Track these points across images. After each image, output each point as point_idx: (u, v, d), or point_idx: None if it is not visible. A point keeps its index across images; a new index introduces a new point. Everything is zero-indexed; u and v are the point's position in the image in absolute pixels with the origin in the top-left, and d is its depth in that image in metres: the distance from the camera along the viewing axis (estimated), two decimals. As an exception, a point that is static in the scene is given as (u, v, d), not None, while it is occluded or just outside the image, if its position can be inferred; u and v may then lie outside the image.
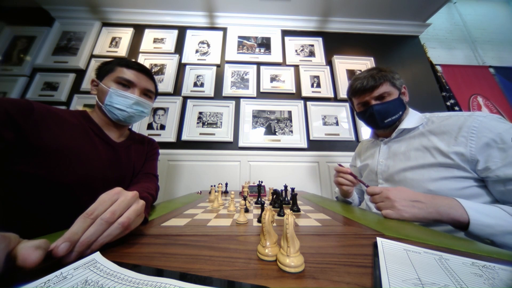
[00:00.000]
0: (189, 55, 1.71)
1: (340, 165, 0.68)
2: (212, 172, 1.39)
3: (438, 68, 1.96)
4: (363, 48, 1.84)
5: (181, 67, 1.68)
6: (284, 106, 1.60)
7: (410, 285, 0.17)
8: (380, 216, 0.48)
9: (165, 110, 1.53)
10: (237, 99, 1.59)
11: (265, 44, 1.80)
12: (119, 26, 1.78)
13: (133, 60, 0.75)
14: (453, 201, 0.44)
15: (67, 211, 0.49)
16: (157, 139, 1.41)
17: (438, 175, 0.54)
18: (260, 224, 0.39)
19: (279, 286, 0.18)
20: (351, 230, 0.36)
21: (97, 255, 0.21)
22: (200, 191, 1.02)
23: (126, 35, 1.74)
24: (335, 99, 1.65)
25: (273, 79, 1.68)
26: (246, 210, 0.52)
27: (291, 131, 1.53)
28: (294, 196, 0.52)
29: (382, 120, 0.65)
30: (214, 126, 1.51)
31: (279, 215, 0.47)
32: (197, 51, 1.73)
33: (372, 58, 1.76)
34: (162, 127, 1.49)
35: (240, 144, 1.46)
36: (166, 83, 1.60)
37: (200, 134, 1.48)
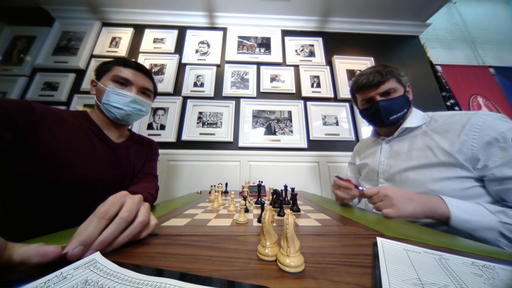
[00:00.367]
0: (189, 55, 1.71)
1: (338, 177, 0.61)
2: (212, 172, 1.39)
3: (438, 68, 1.96)
4: (363, 48, 1.84)
5: (181, 67, 1.68)
6: (284, 106, 1.60)
7: (410, 285, 0.17)
8: (380, 216, 0.48)
9: (165, 110, 1.53)
10: (237, 99, 1.59)
11: (265, 44, 1.80)
12: (119, 26, 1.78)
13: (132, 59, 0.75)
14: (438, 199, 0.46)
15: (67, 211, 0.49)
16: (157, 139, 1.42)
17: (441, 175, 0.53)
18: (260, 224, 0.39)
19: (279, 286, 0.18)
20: (351, 230, 0.36)
21: (97, 255, 0.21)
22: (200, 191, 1.02)
23: (126, 35, 1.74)
24: (335, 99, 1.65)
25: (273, 79, 1.68)
26: (246, 210, 0.52)
27: (291, 131, 1.53)
28: (294, 196, 0.52)
29: (388, 116, 0.64)
30: (214, 126, 1.51)
31: (279, 215, 0.47)
32: (197, 51, 1.73)
33: (372, 58, 1.76)
34: (162, 127, 1.49)
35: (240, 144, 1.46)
36: (166, 83, 1.60)
37: (200, 134, 1.48)
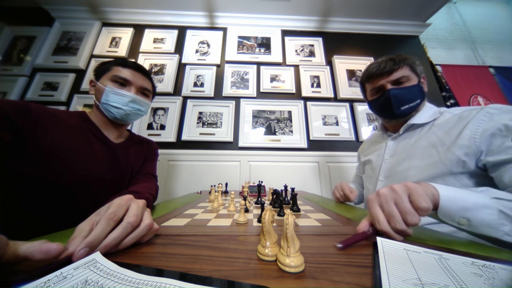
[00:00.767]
0: (189, 55, 1.71)
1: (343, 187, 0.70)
2: (212, 172, 1.39)
3: (438, 68, 1.96)
4: (363, 48, 1.84)
5: (181, 67, 1.68)
6: (284, 106, 1.60)
7: (410, 285, 0.17)
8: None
9: (165, 110, 1.53)
10: (237, 99, 1.59)
11: (265, 44, 1.79)
12: (119, 26, 1.78)
13: (131, 60, 0.75)
14: (428, 185, 0.37)
15: (67, 211, 0.49)
16: (157, 139, 1.42)
17: (443, 172, 0.50)
18: (260, 224, 0.39)
19: (279, 286, 0.18)
20: (351, 230, 0.36)
21: (97, 255, 0.21)
22: (200, 191, 1.02)
23: (126, 35, 1.74)
24: (335, 99, 1.65)
25: (273, 79, 1.68)
26: (246, 210, 0.52)
27: (291, 131, 1.53)
28: (294, 196, 0.52)
29: (399, 106, 0.60)
30: (214, 126, 1.51)
31: (279, 215, 0.47)
32: (197, 51, 1.73)
33: (372, 58, 1.76)
34: (162, 127, 1.49)
35: (240, 144, 1.46)
36: (166, 83, 1.60)
37: (200, 134, 1.48)
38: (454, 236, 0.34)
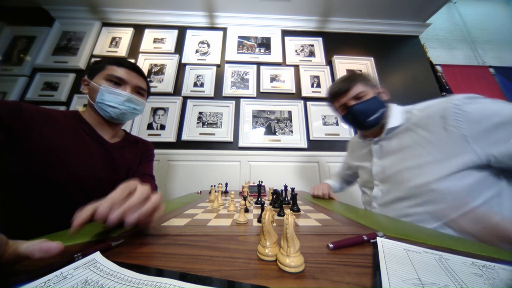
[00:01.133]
0: (189, 55, 1.71)
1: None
2: (212, 172, 1.39)
3: (438, 68, 1.96)
4: (363, 48, 1.84)
5: (181, 67, 1.68)
6: (284, 106, 1.60)
7: (410, 285, 0.17)
8: (380, 216, 0.48)
9: (165, 110, 1.53)
10: (237, 99, 1.59)
11: (265, 44, 1.79)
12: (119, 26, 1.77)
13: (126, 59, 0.75)
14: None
15: (66, 211, 0.49)
16: (157, 139, 1.42)
17: (440, 173, 0.51)
18: (260, 224, 0.39)
19: (279, 286, 0.18)
20: (351, 230, 0.36)
21: (97, 255, 0.21)
22: (200, 191, 1.02)
23: (126, 35, 1.74)
24: (335, 99, 1.65)
25: (273, 79, 1.68)
26: (246, 210, 0.52)
27: (291, 131, 1.53)
28: (294, 196, 0.52)
29: (365, 119, 0.66)
30: (214, 126, 1.51)
31: (279, 215, 0.47)
32: (197, 51, 1.73)
33: (372, 58, 1.76)
34: (162, 127, 1.49)
35: (240, 144, 1.46)
36: (166, 83, 1.60)
37: (200, 134, 1.48)
38: (454, 236, 0.34)
